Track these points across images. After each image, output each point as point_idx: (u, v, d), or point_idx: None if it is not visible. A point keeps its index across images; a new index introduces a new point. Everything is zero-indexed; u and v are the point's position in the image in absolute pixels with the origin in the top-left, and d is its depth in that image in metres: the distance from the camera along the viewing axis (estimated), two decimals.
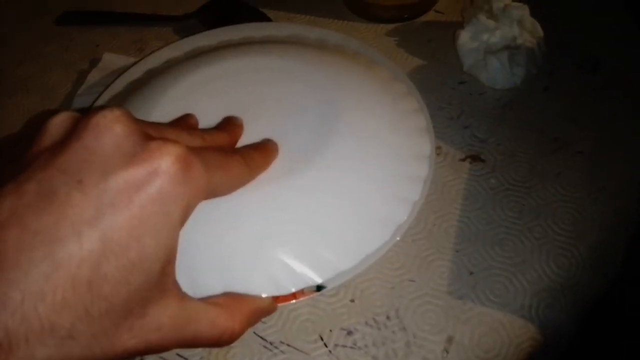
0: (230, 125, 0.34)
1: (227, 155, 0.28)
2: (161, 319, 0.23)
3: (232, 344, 0.33)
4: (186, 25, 0.54)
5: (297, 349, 0.33)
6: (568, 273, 0.36)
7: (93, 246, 0.20)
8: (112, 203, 0.21)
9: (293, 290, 0.30)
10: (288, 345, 0.34)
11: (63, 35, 0.57)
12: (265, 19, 0.53)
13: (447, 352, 0.33)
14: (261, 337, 0.34)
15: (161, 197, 0.22)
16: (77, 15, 0.59)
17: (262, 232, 0.31)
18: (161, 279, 0.23)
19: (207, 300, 0.27)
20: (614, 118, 0.45)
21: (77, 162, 0.22)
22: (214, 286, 0.29)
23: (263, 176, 0.32)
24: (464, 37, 0.48)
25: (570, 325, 0.36)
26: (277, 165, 0.33)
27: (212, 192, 0.26)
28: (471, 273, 0.36)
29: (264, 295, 0.30)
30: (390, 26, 0.54)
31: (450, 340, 0.34)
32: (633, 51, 0.50)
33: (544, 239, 0.38)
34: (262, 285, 0.30)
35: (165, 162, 0.22)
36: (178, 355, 0.33)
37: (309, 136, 0.34)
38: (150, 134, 0.24)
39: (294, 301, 0.33)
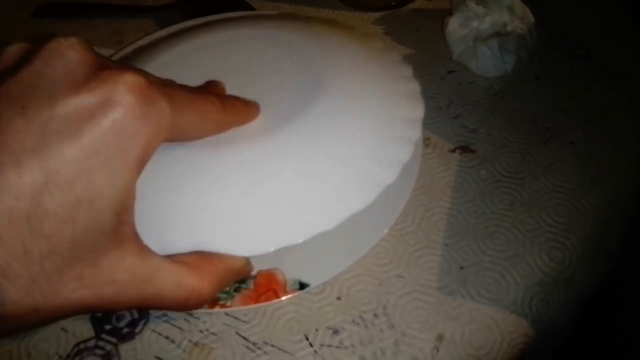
0: (211, 87, 0.32)
1: (199, 94, 0.26)
2: (117, 272, 0.22)
3: (213, 345, 0.32)
4: (166, 16, 0.53)
5: (282, 350, 0.32)
6: (562, 266, 0.35)
7: (34, 177, 0.19)
8: (58, 131, 0.19)
9: (272, 249, 0.28)
10: (272, 345, 0.32)
11: (40, 28, 0.56)
12: (248, 8, 0.52)
13: (438, 350, 0.32)
14: (244, 338, 0.33)
15: (115, 130, 0.20)
16: (55, 8, 0.57)
17: (240, 188, 0.28)
18: (117, 227, 0.21)
19: (173, 257, 0.25)
20: (606, 107, 0.44)
21: (23, 88, 0.20)
22: (184, 245, 0.27)
23: (243, 132, 0.30)
24: (453, 25, 0.47)
25: (565, 320, 0.35)
26: (258, 122, 0.31)
27: (181, 133, 0.24)
28: (461, 268, 0.35)
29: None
30: (378, 14, 0.53)
31: (440, 337, 0.32)
32: (625, 38, 0.49)
33: (536, 231, 0.36)
34: (237, 244, 0.27)
35: (119, 91, 0.20)
36: (156, 357, 0.32)
37: (293, 98, 0.32)
38: (108, 65, 0.22)
39: (278, 300, 0.32)
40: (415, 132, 0.33)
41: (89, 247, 0.20)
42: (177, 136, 0.24)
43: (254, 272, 0.33)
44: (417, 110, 0.34)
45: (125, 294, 0.22)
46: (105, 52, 0.50)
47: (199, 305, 0.25)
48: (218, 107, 0.27)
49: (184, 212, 0.27)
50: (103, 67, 0.21)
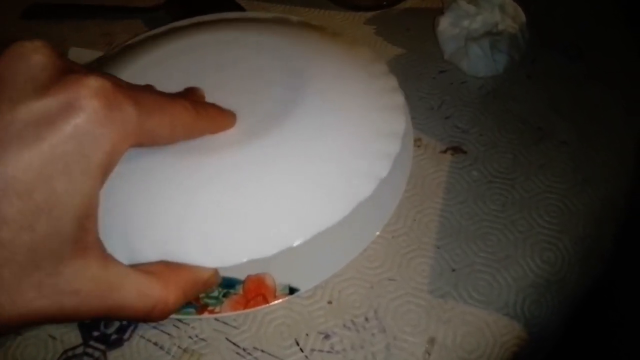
0: (189, 94, 0.32)
1: (169, 97, 0.25)
2: (79, 282, 0.21)
3: (202, 351, 0.32)
4: (155, 17, 0.52)
5: (272, 355, 0.32)
6: (554, 268, 0.35)
7: None
8: (18, 136, 0.19)
9: (244, 260, 0.27)
10: (262, 351, 0.32)
11: (29, 29, 0.55)
12: (238, 8, 0.51)
13: (429, 354, 0.32)
14: (233, 343, 0.32)
15: (77, 136, 0.20)
16: (44, 9, 0.56)
17: (211, 198, 0.28)
18: (78, 234, 0.21)
19: (138, 267, 0.25)
20: (598, 106, 0.43)
21: None
22: (151, 254, 0.26)
23: (217, 141, 0.29)
24: (444, 24, 0.47)
25: (557, 322, 0.34)
26: (234, 131, 0.30)
27: (150, 138, 0.24)
28: (453, 270, 0.35)
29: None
30: (369, 14, 0.53)
31: (432, 341, 0.32)
32: (617, 37, 0.49)
33: (528, 232, 0.36)
34: (206, 255, 0.27)
35: (82, 95, 0.20)
36: None
37: (271, 107, 0.32)
38: (73, 69, 0.21)
39: (267, 305, 0.32)
40: (395, 147, 0.32)
41: (49, 255, 0.20)
42: (145, 141, 0.23)
43: (243, 277, 0.32)
44: (398, 125, 0.33)
45: (87, 303, 0.22)
46: (95, 53, 0.49)
47: (164, 316, 0.25)
48: (189, 112, 0.26)
49: (152, 221, 0.27)
50: (68, 71, 0.21)
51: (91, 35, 0.53)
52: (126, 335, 0.33)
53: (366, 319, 0.33)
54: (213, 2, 0.49)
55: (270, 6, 0.54)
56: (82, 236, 0.21)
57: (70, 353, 0.32)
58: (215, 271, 0.28)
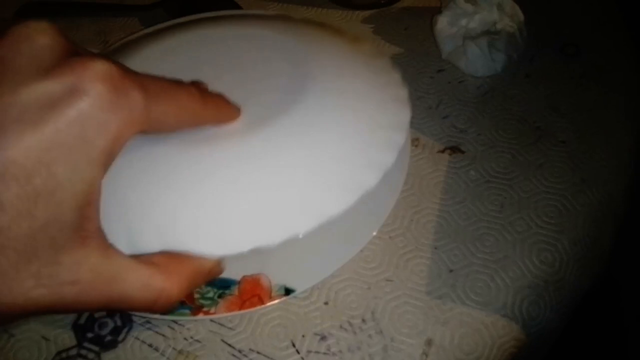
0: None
1: (176, 84, 0.25)
2: (79, 271, 0.20)
3: (198, 353, 0.32)
4: (152, 15, 0.52)
5: (268, 357, 0.31)
6: (552, 268, 0.35)
7: None
8: (19, 119, 0.18)
9: (246, 250, 0.27)
10: (258, 352, 0.32)
11: None
12: (235, 7, 0.51)
13: (427, 355, 0.31)
14: (229, 345, 0.32)
15: (81, 121, 0.19)
16: (39, 7, 0.56)
17: (215, 187, 0.27)
18: (79, 223, 0.20)
19: (141, 257, 0.24)
20: (597, 105, 0.43)
21: None
22: (154, 244, 0.26)
23: (223, 131, 0.29)
24: (442, 23, 0.46)
25: (556, 323, 0.34)
26: (239, 122, 0.30)
27: (156, 124, 0.23)
28: (451, 271, 0.34)
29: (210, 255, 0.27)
30: (366, 13, 0.52)
31: (429, 342, 0.32)
32: (615, 36, 0.49)
33: (526, 233, 0.36)
34: (210, 244, 0.26)
35: (87, 79, 0.19)
36: None
37: (276, 99, 0.31)
38: (79, 52, 0.21)
39: (263, 305, 0.32)
40: (400, 137, 0.32)
41: (49, 243, 0.19)
42: (151, 128, 0.23)
43: (238, 278, 0.32)
44: (403, 116, 0.33)
45: (88, 294, 0.21)
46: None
47: (167, 307, 0.24)
48: (197, 99, 0.25)
49: (154, 210, 0.26)
50: (73, 54, 0.20)
51: (87, 34, 0.53)
52: (120, 337, 0.33)
53: (363, 320, 0.33)
54: (211, 0, 0.49)
55: (268, 4, 0.54)
56: (83, 224, 0.20)
57: (64, 355, 0.32)
58: (219, 261, 0.27)
